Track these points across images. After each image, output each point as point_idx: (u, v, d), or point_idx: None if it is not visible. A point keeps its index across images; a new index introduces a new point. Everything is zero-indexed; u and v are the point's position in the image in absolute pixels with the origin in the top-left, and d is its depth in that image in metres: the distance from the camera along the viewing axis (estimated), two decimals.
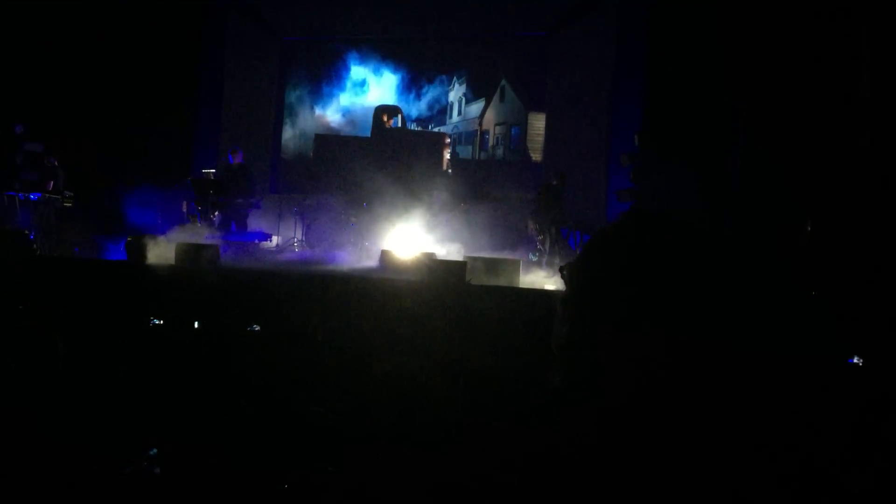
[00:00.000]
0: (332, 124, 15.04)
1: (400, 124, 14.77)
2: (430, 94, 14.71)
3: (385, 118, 14.66)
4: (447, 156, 14.44)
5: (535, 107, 14.07)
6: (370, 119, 14.79)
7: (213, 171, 11.81)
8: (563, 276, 1.12)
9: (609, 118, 11.97)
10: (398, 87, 14.80)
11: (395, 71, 14.76)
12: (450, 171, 14.28)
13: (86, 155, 11.39)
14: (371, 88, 14.95)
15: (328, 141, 14.77)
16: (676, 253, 1.05)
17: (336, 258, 10.33)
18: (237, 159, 11.36)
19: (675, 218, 1.08)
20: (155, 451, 2.60)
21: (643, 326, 1.01)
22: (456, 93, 14.67)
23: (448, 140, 14.54)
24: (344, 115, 15.02)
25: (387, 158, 13.23)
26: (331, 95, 15.04)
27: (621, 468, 0.97)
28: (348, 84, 15.00)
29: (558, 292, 1.10)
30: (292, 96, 15.16)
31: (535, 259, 10.61)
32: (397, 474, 1.16)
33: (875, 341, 4.97)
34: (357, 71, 14.95)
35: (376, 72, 14.86)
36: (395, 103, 14.78)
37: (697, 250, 1.06)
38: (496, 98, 14.40)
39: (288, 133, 15.13)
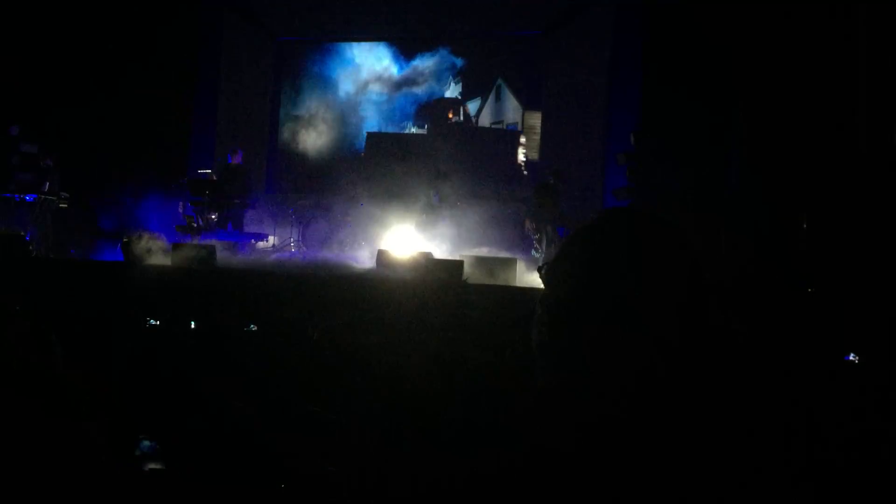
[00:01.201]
0: (336, 119, 14.88)
1: (463, 119, 14.09)
2: (428, 89, 14.67)
3: (450, 114, 13.79)
4: (522, 156, 13.75)
5: (531, 106, 14.06)
6: (377, 113, 14.58)
7: (210, 171, 11.80)
8: (541, 276, 1.12)
9: (605, 117, 11.97)
10: (397, 80, 14.75)
11: (394, 62, 14.69)
12: (525, 172, 13.61)
13: (81, 156, 11.37)
14: (370, 82, 14.87)
15: (380, 139, 14.23)
16: (653, 249, 1.05)
17: (333, 257, 10.32)
18: (236, 159, 11.35)
19: (651, 214, 1.08)
20: (152, 449, 2.59)
21: (622, 324, 1.01)
22: (452, 92, 14.64)
23: (523, 139, 13.76)
24: (346, 109, 14.88)
25: (451, 158, 12.32)
26: (328, 92, 14.95)
27: (613, 470, 0.96)
28: (345, 78, 14.91)
29: (538, 291, 1.10)
30: (290, 95, 15.13)
31: (537, 255, 10.62)
32: (394, 473, 1.16)
33: (872, 338, 4.98)
34: (354, 65, 14.89)
35: (374, 64, 14.81)
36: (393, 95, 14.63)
37: (674, 246, 1.06)
38: (492, 97, 14.38)
39: (286, 132, 15.10)
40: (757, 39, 8.39)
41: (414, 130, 14.62)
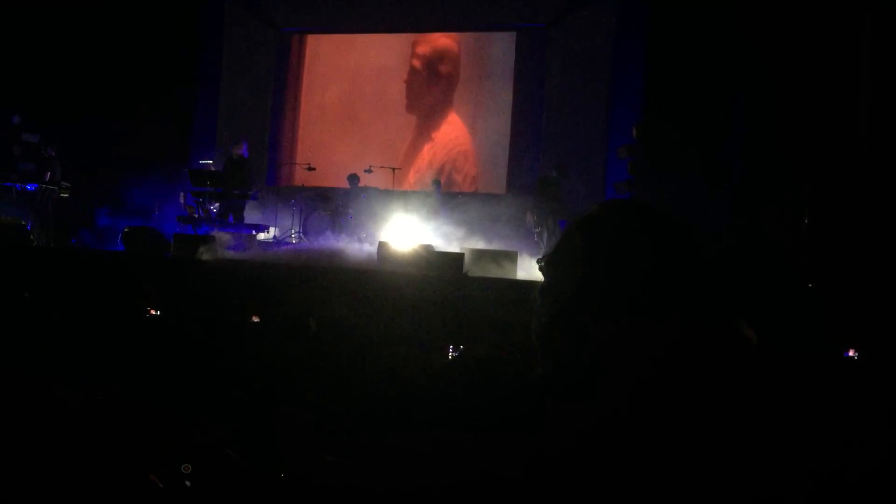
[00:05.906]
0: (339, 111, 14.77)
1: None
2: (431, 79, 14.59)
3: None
4: None
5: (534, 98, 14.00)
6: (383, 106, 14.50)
7: (211, 162, 11.79)
8: (540, 268, 1.12)
9: (607, 109, 11.95)
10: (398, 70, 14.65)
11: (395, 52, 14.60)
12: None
13: (83, 145, 11.36)
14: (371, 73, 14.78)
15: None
16: (652, 240, 1.05)
17: (333, 250, 10.31)
18: (239, 150, 11.33)
19: (650, 205, 1.08)
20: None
21: (622, 315, 1.01)
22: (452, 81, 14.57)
23: None
24: (348, 100, 14.78)
25: None
26: (329, 83, 14.88)
27: (613, 463, 0.96)
28: (346, 69, 14.82)
29: (537, 282, 1.10)
30: (293, 86, 15.06)
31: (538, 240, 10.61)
32: (394, 466, 1.16)
33: (872, 334, 4.98)
34: (355, 56, 14.82)
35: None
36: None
37: (675, 237, 1.06)
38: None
39: (288, 123, 15.03)
40: (760, 32, 8.36)
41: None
